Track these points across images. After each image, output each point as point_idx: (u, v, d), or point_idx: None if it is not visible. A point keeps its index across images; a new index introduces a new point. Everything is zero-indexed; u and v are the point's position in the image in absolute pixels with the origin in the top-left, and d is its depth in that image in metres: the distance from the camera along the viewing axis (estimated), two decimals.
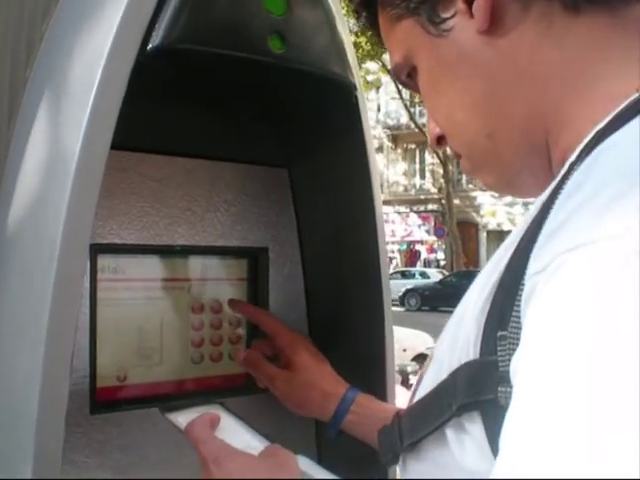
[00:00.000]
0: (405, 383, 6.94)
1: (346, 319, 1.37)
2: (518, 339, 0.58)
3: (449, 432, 0.68)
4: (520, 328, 0.58)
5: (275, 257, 1.42)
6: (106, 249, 1.21)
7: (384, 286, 1.27)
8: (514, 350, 0.58)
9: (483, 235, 31.93)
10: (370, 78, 24.46)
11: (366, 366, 1.31)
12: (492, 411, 0.61)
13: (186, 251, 1.32)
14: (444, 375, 0.69)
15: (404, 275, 28.28)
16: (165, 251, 1.30)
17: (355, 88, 1.20)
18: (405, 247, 34.70)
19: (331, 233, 1.39)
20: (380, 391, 1.27)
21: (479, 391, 0.63)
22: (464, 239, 28.51)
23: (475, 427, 0.64)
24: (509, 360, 0.59)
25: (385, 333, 1.28)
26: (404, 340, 8.47)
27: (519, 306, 0.58)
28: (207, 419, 0.99)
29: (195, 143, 1.29)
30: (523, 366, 0.53)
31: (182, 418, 1.03)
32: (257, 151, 1.38)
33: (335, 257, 1.39)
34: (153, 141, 1.24)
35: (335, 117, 1.26)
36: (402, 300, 24.20)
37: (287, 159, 1.43)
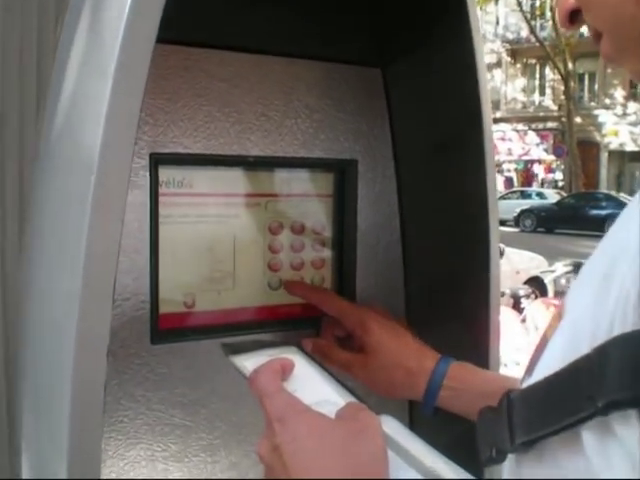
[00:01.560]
0: (516, 307, 6.79)
1: (445, 244, 1.22)
2: None
3: (587, 434, 0.50)
4: None
5: (365, 171, 1.26)
6: (168, 160, 1.08)
7: (491, 212, 1.11)
8: None
9: (604, 155, 31.13)
10: None
11: (467, 295, 1.16)
12: None
13: (261, 163, 1.18)
14: (583, 348, 0.50)
15: (521, 195, 27.72)
16: (237, 162, 1.16)
17: None
18: (522, 166, 34.13)
19: (431, 147, 1.24)
20: (483, 330, 1.12)
21: None
22: (584, 159, 27.98)
23: (630, 433, 0.47)
24: None
25: (490, 261, 1.12)
26: (518, 262, 8.32)
27: None
28: (277, 365, 0.86)
29: (271, 37, 1.13)
30: None
31: (249, 362, 0.90)
32: (344, 47, 1.21)
33: (434, 174, 1.23)
34: (222, 35, 1.10)
35: (439, 7, 1.10)
36: (517, 221, 24.06)
37: (380, 57, 1.26)
